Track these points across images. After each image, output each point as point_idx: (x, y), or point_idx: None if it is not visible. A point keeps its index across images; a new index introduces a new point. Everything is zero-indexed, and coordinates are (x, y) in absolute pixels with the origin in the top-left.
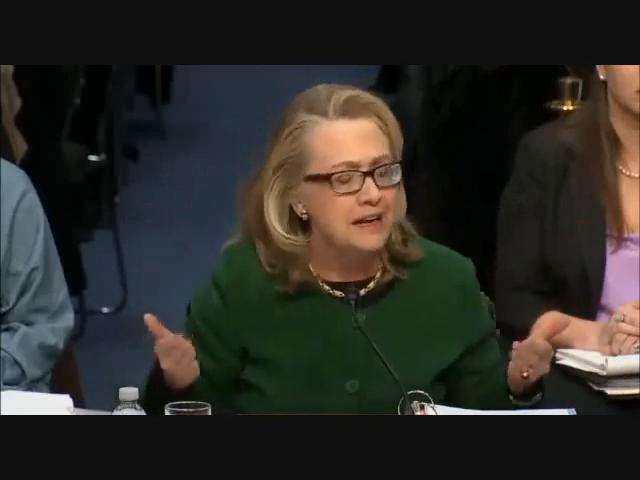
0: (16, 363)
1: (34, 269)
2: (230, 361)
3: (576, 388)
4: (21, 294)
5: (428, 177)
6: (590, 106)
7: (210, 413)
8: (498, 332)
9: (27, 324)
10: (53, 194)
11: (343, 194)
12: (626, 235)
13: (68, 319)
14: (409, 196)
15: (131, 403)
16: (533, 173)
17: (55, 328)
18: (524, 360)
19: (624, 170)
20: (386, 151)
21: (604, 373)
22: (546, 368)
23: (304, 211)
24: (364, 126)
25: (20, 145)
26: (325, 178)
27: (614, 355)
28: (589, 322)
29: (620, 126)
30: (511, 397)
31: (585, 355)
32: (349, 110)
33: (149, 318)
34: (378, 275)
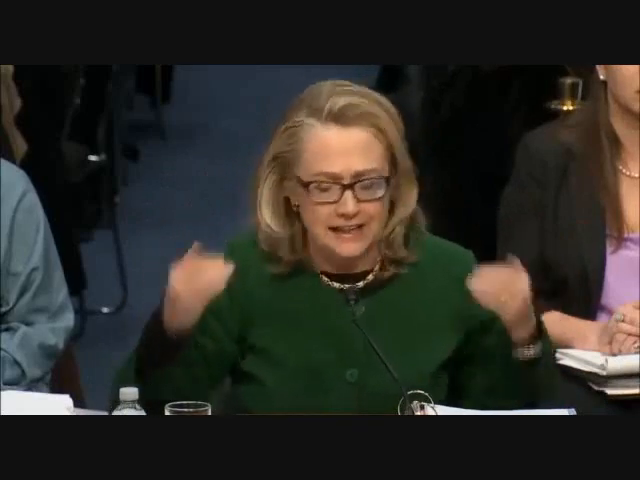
0: (16, 363)
1: (34, 269)
2: (227, 344)
3: (576, 388)
4: (21, 294)
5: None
6: (590, 106)
7: (210, 413)
8: None
9: (27, 324)
10: (53, 194)
11: (320, 203)
12: (626, 235)
13: (68, 319)
14: None
15: (131, 403)
16: (533, 173)
17: (55, 328)
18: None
19: (624, 170)
20: (374, 164)
21: (604, 373)
22: (524, 290)
23: (296, 204)
24: (355, 136)
25: (20, 145)
26: (304, 184)
27: (614, 355)
28: (589, 322)
29: (620, 126)
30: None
31: (585, 355)
32: (343, 117)
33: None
34: (377, 268)
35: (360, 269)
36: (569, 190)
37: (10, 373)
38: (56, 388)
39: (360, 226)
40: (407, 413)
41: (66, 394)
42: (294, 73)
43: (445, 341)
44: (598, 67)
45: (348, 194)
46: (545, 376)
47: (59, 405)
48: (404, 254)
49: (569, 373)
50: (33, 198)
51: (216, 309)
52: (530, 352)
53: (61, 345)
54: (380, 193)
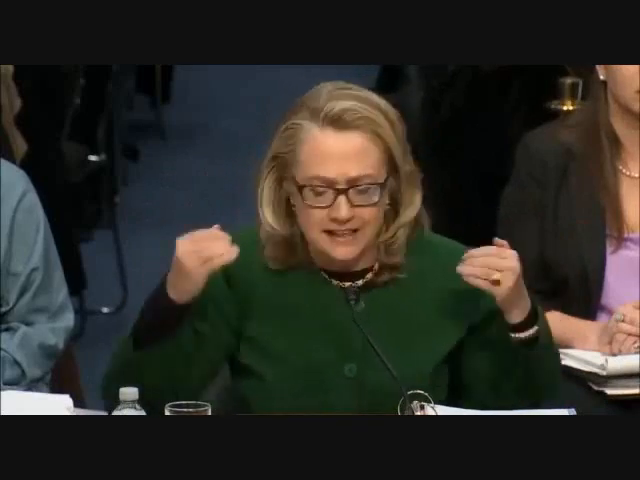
0: (16, 363)
1: (34, 269)
2: (225, 334)
3: (576, 388)
4: (21, 294)
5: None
6: (590, 106)
7: (210, 413)
8: None
9: (27, 324)
10: (53, 194)
11: (313, 207)
12: (626, 235)
13: (68, 319)
14: None
15: (131, 403)
16: (533, 173)
17: (55, 328)
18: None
19: (624, 170)
20: (370, 170)
21: (604, 373)
22: (515, 267)
23: (294, 204)
24: (352, 141)
25: (20, 145)
26: (299, 187)
27: (614, 355)
28: (589, 322)
29: (620, 126)
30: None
31: (585, 355)
32: (340, 122)
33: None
34: (377, 267)
35: (360, 267)
36: (569, 190)
37: (10, 373)
38: (56, 388)
39: (354, 230)
40: (407, 413)
41: (66, 394)
42: (294, 73)
43: (444, 339)
44: (598, 67)
45: (342, 199)
46: (546, 359)
47: (59, 405)
48: (399, 260)
49: (569, 373)
50: (33, 198)
51: (216, 299)
52: (528, 334)
53: (61, 345)
54: (375, 198)
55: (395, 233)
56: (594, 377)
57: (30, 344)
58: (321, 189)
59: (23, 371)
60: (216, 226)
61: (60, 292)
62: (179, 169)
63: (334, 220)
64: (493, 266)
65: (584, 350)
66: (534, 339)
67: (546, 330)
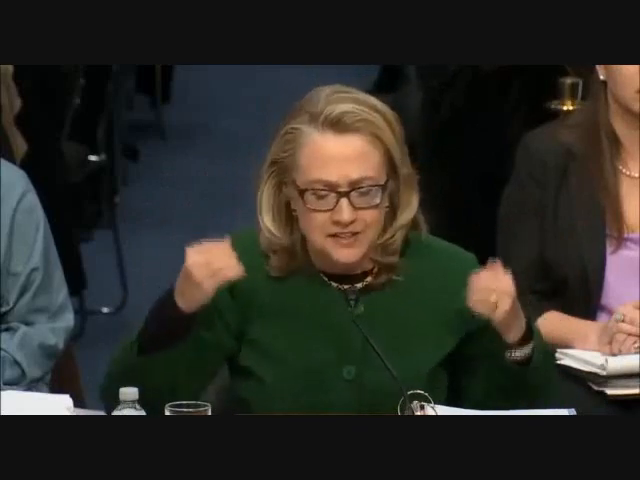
0: (16, 363)
1: (34, 269)
2: (225, 338)
3: (576, 388)
4: (21, 294)
5: (428, 177)
6: (590, 106)
7: (210, 413)
8: None
9: (27, 324)
10: (53, 194)
11: (315, 210)
12: (626, 235)
13: (68, 319)
14: None
15: (131, 403)
16: (533, 173)
17: (55, 328)
18: (487, 287)
19: (624, 170)
20: (371, 172)
21: (604, 373)
22: (510, 289)
23: (295, 209)
24: (353, 143)
25: (20, 145)
26: (300, 192)
27: (614, 355)
28: (589, 322)
29: (620, 126)
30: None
31: (585, 355)
32: (340, 125)
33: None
34: (376, 270)
35: (359, 270)
36: (569, 190)
37: (10, 373)
38: (56, 388)
39: (356, 233)
40: (407, 413)
41: (66, 394)
42: (294, 73)
43: (443, 342)
44: (598, 67)
45: (344, 202)
46: (542, 375)
47: (59, 405)
48: (395, 261)
49: (569, 373)
50: (33, 198)
51: (217, 304)
52: (523, 353)
53: (61, 345)
54: (377, 200)
55: (393, 235)
56: (594, 377)
57: (30, 344)
58: (323, 192)
59: (23, 371)
60: (227, 238)
61: (60, 292)
62: (179, 169)
63: (337, 223)
64: (490, 288)
65: (584, 350)
66: (529, 357)
67: (541, 346)
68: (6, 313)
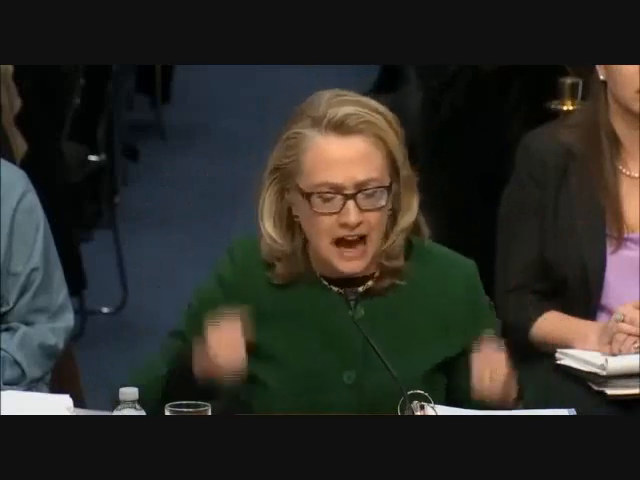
0: (16, 363)
1: (34, 269)
2: None
3: (576, 388)
4: (21, 294)
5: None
6: (590, 106)
7: (210, 413)
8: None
9: (27, 324)
10: (53, 194)
11: (322, 214)
12: (626, 235)
13: (68, 319)
14: None
15: (131, 403)
16: (533, 173)
17: (55, 328)
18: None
19: (624, 170)
20: (375, 173)
21: (604, 373)
22: (504, 369)
23: (297, 215)
24: (356, 145)
25: (20, 145)
26: (306, 195)
27: (614, 355)
28: (589, 322)
29: (620, 126)
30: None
31: (585, 355)
32: (343, 127)
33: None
34: (377, 274)
35: (360, 274)
36: (569, 190)
37: (10, 373)
38: (56, 388)
39: (362, 237)
40: (407, 413)
41: (66, 394)
42: (294, 73)
43: (442, 347)
44: (598, 67)
45: (350, 204)
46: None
47: (59, 405)
48: (401, 265)
49: (569, 373)
50: (33, 198)
51: (212, 312)
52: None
53: (61, 345)
54: (382, 202)
55: (395, 239)
56: (594, 377)
57: (30, 344)
58: (329, 195)
59: (23, 371)
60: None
61: (60, 292)
62: (179, 169)
63: (344, 226)
64: (487, 371)
65: (584, 350)
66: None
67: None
68: (6, 313)
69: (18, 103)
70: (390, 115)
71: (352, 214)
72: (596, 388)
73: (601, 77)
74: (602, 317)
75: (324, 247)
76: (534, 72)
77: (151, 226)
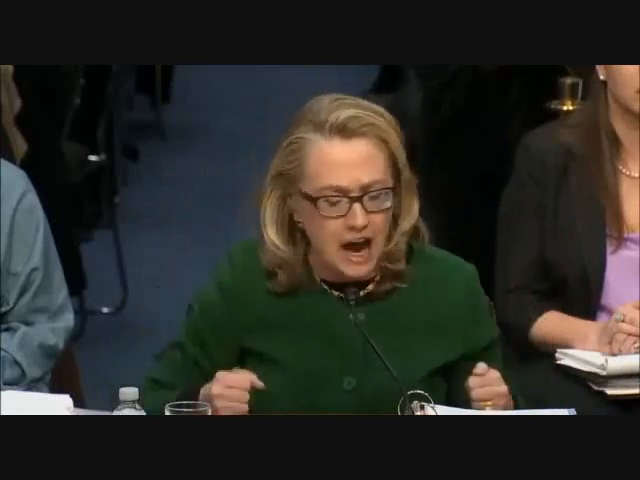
0: (16, 363)
1: (34, 269)
2: (225, 362)
3: (576, 388)
4: (21, 294)
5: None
6: (590, 106)
7: (210, 413)
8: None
9: (27, 324)
10: (53, 194)
11: (329, 217)
12: (626, 235)
13: (68, 319)
14: None
15: (131, 403)
16: (533, 173)
17: (55, 328)
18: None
19: (624, 170)
20: (379, 175)
21: (604, 373)
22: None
23: (300, 220)
24: (359, 148)
25: (20, 145)
26: (312, 200)
27: (614, 355)
28: (589, 322)
29: (620, 126)
30: None
31: (585, 355)
32: (346, 130)
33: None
34: (378, 278)
35: (363, 279)
36: (569, 190)
37: (10, 373)
38: (56, 388)
39: (368, 241)
40: (407, 413)
41: (66, 394)
42: (294, 73)
43: (441, 351)
44: (598, 67)
45: (357, 206)
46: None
47: (59, 405)
48: (402, 268)
49: (569, 373)
50: (33, 198)
51: (210, 320)
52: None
53: (61, 345)
54: (387, 204)
55: (397, 242)
56: (594, 377)
57: (30, 344)
58: (335, 199)
59: (23, 371)
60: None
61: (60, 292)
62: (179, 169)
63: (351, 228)
64: (488, 395)
65: (584, 350)
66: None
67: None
68: (6, 313)
69: (18, 103)
70: (390, 117)
71: (359, 216)
72: (596, 388)
73: (601, 77)
74: (602, 317)
75: (330, 252)
76: (534, 72)
77: (151, 226)
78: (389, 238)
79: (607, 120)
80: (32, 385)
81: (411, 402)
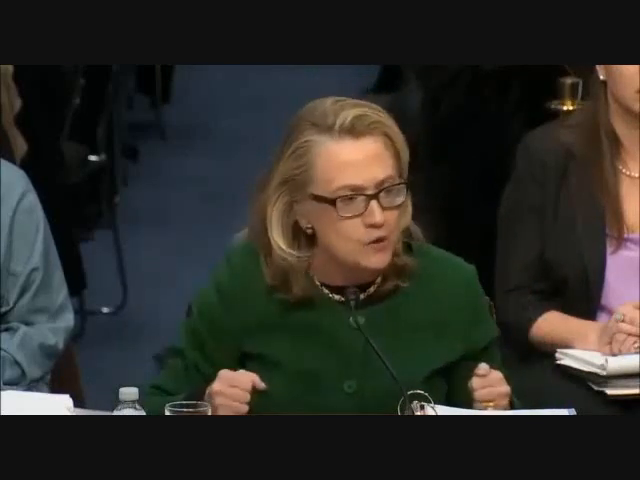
0: (16, 363)
1: (34, 269)
2: (225, 364)
3: (576, 388)
4: (21, 294)
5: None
6: (590, 106)
7: (210, 413)
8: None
9: (27, 324)
10: (53, 194)
11: (347, 217)
12: (626, 235)
13: (68, 319)
14: None
15: (131, 403)
16: (533, 173)
17: (55, 328)
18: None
19: (624, 170)
20: (391, 171)
21: (604, 373)
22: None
23: (309, 226)
24: (370, 146)
25: (20, 145)
26: (329, 201)
27: (614, 355)
28: (589, 322)
29: (620, 126)
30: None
31: (585, 355)
32: (355, 130)
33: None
34: (379, 280)
35: (362, 282)
36: (569, 190)
37: (10, 373)
38: (56, 388)
39: (385, 237)
40: (407, 413)
41: (66, 394)
42: (294, 73)
43: (442, 353)
44: (598, 67)
45: (374, 204)
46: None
47: (59, 405)
48: (405, 262)
49: (569, 373)
50: (33, 198)
51: (209, 321)
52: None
53: (61, 345)
54: (400, 200)
55: (399, 239)
56: (594, 377)
57: (30, 344)
58: (352, 198)
59: (23, 371)
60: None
61: (60, 292)
62: (179, 169)
63: (371, 226)
64: (490, 398)
65: (584, 350)
66: None
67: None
68: (6, 313)
69: (18, 103)
70: (390, 116)
71: (377, 214)
72: (596, 388)
73: (601, 77)
74: (602, 317)
75: (349, 251)
76: (534, 72)
77: (151, 226)
78: None
79: (607, 120)
80: (32, 385)
81: (411, 402)
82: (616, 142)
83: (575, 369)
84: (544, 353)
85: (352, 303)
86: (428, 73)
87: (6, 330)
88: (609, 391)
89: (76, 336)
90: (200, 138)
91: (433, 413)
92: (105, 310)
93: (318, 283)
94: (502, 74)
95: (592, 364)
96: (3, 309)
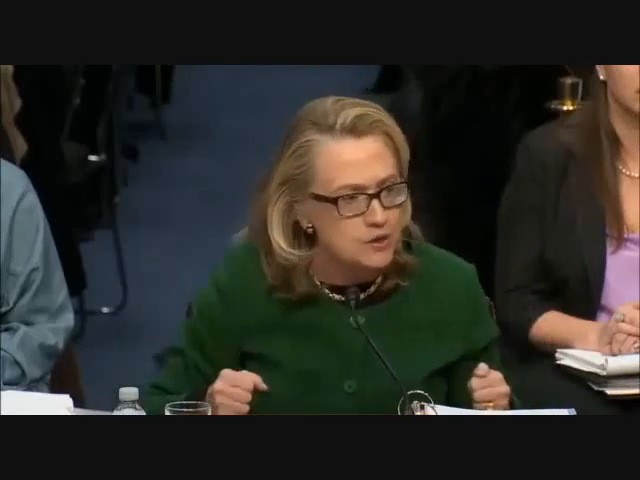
0: (16, 363)
1: (34, 269)
2: (225, 364)
3: (576, 388)
4: (21, 294)
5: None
6: (590, 106)
7: (210, 413)
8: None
9: (27, 324)
10: (53, 194)
11: (349, 216)
12: (626, 235)
13: (68, 319)
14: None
15: (131, 403)
16: (533, 173)
17: (55, 328)
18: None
19: (624, 170)
20: (392, 170)
21: (604, 373)
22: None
23: (310, 225)
24: (371, 145)
25: (20, 145)
26: (331, 200)
27: (614, 355)
28: (589, 322)
29: (620, 126)
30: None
31: (585, 355)
32: (356, 129)
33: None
34: (379, 280)
35: (362, 281)
36: (569, 190)
37: (10, 373)
38: (56, 388)
39: (388, 236)
40: (407, 413)
41: (66, 394)
42: (294, 73)
43: (442, 353)
44: (598, 67)
45: (375, 203)
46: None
47: (59, 405)
48: (406, 259)
49: (569, 373)
50: (33, 198)
51: (208, 321)
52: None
53: (61, 345)
54: (401, 199)
55: (399, 238)
56: (594, 377)
57: (30, 344)
58: (353, 197)
59: (23, 371)
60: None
61: (60, 292)
62: (179, 169)
63: (372, 225)
64: (489, 398)
65: (584, 350)
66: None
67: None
68: (6, 313)
69: (18, 103)
70: (390, 116)
71: (378, 213)
72: (596, 388)
73: (601, 77)
74: (602, 317)
75: (351, 250)
76: (534, 72)
77: (151, 226)
78: None
79: (607, 120)
80: (32, 385)
81: (411, 402)
82: (616, 142)
83: (575, 369)
84: (544, 353)
85: (352, 303)
86: (428, 73)
87: (6, 330)
88: (609, 391)
89: (76, 336)
90: (200, 138)
91: (433, 413)
92: (105, 310)
93: (318, 283)
94: (502, 74)
95: (592, 364)
96: (3, 309)
